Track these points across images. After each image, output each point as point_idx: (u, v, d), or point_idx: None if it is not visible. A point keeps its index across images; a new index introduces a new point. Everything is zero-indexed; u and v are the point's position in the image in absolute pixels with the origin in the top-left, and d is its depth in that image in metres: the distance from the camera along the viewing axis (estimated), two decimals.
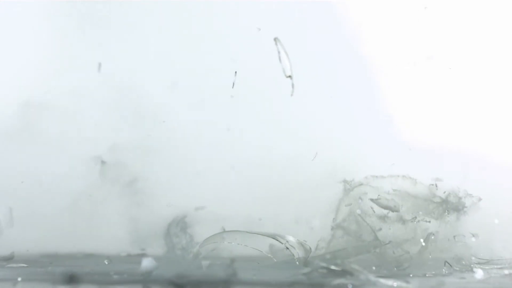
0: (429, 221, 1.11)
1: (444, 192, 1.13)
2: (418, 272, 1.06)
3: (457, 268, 1.10)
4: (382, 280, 0.97)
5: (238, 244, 1.02)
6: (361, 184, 1.12)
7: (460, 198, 1.14)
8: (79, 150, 1.18)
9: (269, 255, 1.04)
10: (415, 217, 1.12)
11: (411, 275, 1.04)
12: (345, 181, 1.13)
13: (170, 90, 1.20)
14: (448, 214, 1.13)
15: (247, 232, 1.02)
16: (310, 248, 1.05)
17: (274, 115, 1.22)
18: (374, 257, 1.10)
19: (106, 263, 1.08)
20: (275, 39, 1.10)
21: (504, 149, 1.23)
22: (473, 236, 1.13)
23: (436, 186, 1.13)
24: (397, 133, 1.23)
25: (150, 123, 1.20)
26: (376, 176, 1.14)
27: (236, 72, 1.10)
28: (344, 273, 0.96)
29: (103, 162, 1.18)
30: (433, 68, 1.22)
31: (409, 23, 1.22)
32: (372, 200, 1.11)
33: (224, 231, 1.03)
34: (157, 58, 1.21)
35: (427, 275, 1.05)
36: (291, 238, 1.04)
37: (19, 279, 0.99)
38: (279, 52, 1.12)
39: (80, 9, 1.21)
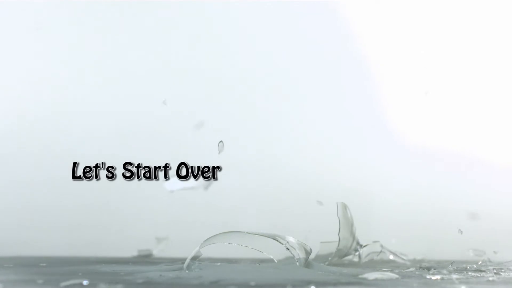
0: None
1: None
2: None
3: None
4: None
5: (238, 244, 1.01)
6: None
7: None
8: None
9: (270, 256, 1.04)
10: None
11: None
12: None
13: None
14: None
15: (247, 232, 1.01)
16: (311, 249, 1.04)
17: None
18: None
19: None
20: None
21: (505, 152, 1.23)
22: None
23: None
24: (398, 138, 1.23)
25: None
26: None
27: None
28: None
29: None
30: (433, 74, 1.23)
31: (408, 24, 1.23)
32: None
33: (225, 232, 1.02)
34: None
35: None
36: (291, 239, 1.03)
37: None
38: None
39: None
